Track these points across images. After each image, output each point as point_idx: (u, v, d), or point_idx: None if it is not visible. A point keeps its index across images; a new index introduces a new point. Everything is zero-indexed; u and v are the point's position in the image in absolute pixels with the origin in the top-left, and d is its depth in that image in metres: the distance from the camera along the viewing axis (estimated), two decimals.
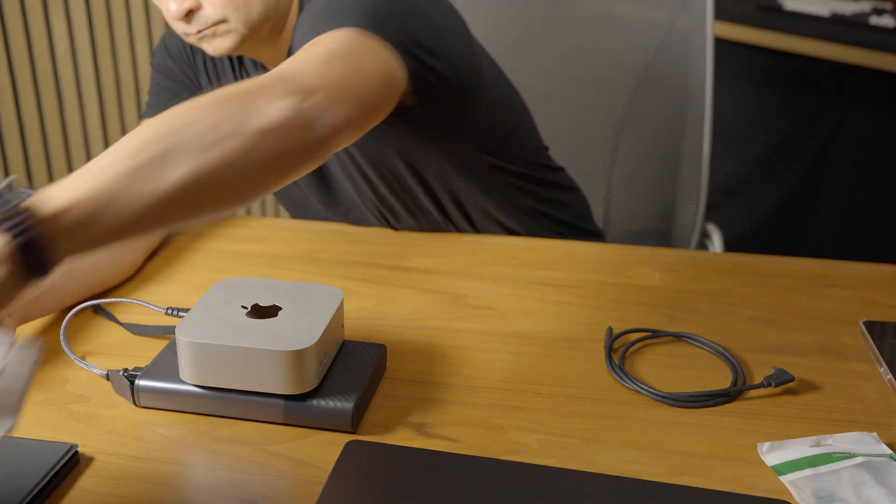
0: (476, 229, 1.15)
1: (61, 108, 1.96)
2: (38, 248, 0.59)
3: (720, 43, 2.17)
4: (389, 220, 1.13)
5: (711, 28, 1.46)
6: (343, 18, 0.88)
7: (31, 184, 1.95)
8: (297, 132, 0.73)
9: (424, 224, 1.14)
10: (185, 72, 1.15)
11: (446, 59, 1.00)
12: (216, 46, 0.99)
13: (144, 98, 2.08)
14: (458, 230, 1.14)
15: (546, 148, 1.24)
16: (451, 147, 1.08)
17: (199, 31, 0.97)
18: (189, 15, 0.96)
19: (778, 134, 2.24)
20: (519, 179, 1.15)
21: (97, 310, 0.91)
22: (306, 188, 1.15)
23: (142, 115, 1.19)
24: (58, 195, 0.60)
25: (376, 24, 0.89)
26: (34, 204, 0.59)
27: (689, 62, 1.48)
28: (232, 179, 0.69)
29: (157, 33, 2.05)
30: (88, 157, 2.03)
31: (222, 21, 0.96)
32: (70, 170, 2.00)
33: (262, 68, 1.09)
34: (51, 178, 1.98)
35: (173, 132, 0.67)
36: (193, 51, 1.14)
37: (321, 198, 1.15)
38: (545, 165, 1.21)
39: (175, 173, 0.65)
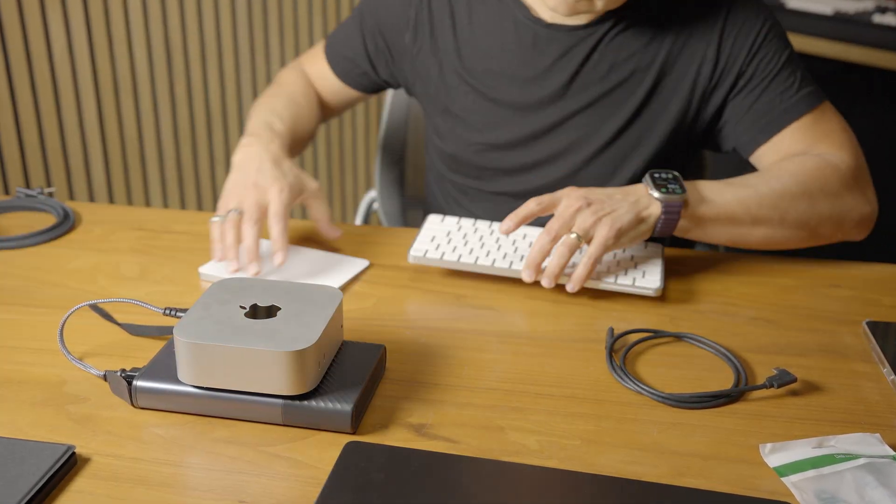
0: None
1: (58, 108, 1.95)
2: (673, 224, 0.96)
3: None
4: None
5: None
6: (805, 98, 1.09)
7: (28, 184, 1.94)
8: (856, 234, 1.07)
9: None
10: (387, 33, 1.20)
11: None
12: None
13: (142, 98, 2.08)
14: None
15: None
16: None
17: None
18: None
19: None
20: None
21: (94, 310, 0.90)
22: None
23: (328, 37, 1.29)
24: (703, 202, 0.97)
25: (819, 93, 1.11)
26: (689, 194, 0.96)
27: None
28: (786, 245, 1.04)
29: (156, 32, 2.05)
30: (85, 157, 2.02)
31: None
32: (67, 169, 2.00)
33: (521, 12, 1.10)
34: (48, 179, 1.97)
35: (777, 206, 0.99)
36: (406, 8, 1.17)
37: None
38: None
39: (758, 235, 1.01)
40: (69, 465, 0.68)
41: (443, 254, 0.98)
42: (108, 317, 0.89)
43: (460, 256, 0.98)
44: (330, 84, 1.29)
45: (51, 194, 1.20)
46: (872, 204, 1.06)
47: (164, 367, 0.75)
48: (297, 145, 1.19)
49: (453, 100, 1.16)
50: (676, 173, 0.98)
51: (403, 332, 0.89)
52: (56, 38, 1.90)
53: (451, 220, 1.05)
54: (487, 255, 0.98)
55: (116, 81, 2.02)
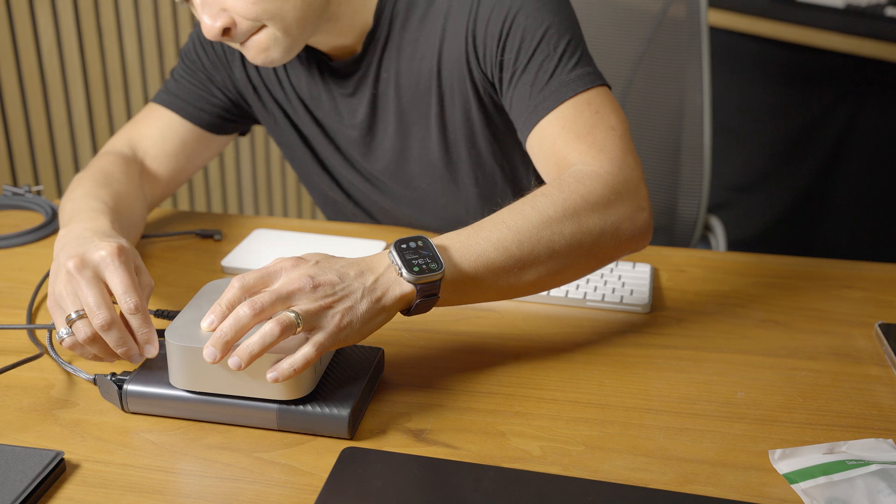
0: None
1: (47, 103, 1.94)
2: (432, 304, 0.77)
3: (732, 35, 2.14)
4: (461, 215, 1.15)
5: (706, 15, 1.44)
6: (567, 84, 0.93)
7: (15, 181, 1.92)
8: (636, 245, 0.88)
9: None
10: (213, 63, 1.10)
11: None
12: (265, 59, 0.94)
13: (133, 92, 2.07)
14: None
15: None
16: None
17: (243, 44, 0.93)
18: (227, 33, 0.91)
19: (791, 129, 2.22)
20: None
21: None
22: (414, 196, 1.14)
23: (153, 98, 1.11)
24: (459, 266, 0.77)
25: (591, 77, 0.94)
26: (446, 266, 0.76)
27: (685, 50, 1.46)
28: (562, 279, 0.85)
29: (146, 24, 2.03)
30: (75, 154, 2.01)
31: (262, 28, 0.91)
32: (56, 166, 1.98)
33: (317, 55, 1.05)
34: (35, 175, 1.96)
35: (541, 237, 0.81)
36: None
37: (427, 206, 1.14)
38: None
39: (531, 276, 0.81)
40: (58, 472, 0.66)
41: None
42: None
43: None
44: (177, 140, 1.09)
45: (39, 192, 1.19)
46: (647, 209, 0.88)
47: (155, 370, 0.74)
48: (131, 230, 0.97)
49: (285, 139, 1.14)
50: (425, 237, 0.77)
51: (402, 335, 0.87)
52: (44, 32, 1.88)
53: None
54: None
55: (106, 76, 2.01)
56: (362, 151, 1.10)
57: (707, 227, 1.52)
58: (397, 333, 0.87)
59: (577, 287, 0.95)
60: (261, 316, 0.69)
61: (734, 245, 1.50)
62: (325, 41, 1.00)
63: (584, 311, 0.93)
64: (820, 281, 1.01)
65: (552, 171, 0.92)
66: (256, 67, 1.09)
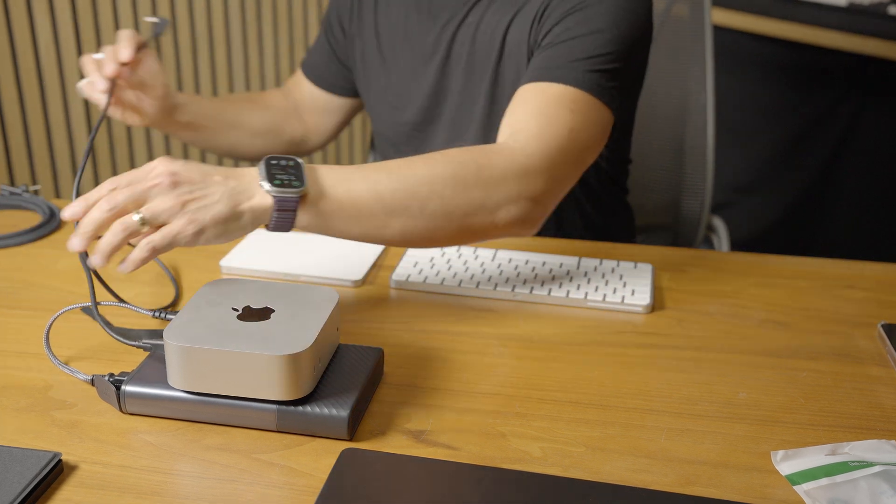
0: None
1: (44, 102, 1.93)
2: (289, 221, 0.80)
3: (734, 34, 2.13)
4: None
5: (709, 13, 1.43)
6: (579, 75, 0.95)
7: (13, 180, 1.92)
8: (511, 231, 0.89)
9: None
10: (339, 22, 1.24)
11: (638, 83, 1.09)
12: None
13: None
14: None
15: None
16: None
17: None
18: None
19: (794, 128, 2.21)
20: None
21: (87, 312, 0.89)
22: None
23: (301, 64, 1.32)
24: (325, 192, 0.80)
25: (601, 89, 0.95)
26: (309, 187, 0.79)
27: (688, 49, 1.45)
28: (430, 241, 0.87)
29: (144, 24, 2.03)
30: (72, 154, 2.01)
31: None
32: (53, 166, 1.98)
33: None
34: (33, 176, 1.95)
35: (417, 193, 0.83)
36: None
37: None
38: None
39: (397, 225, 0.84)
40: (55, 473, 0.66)
41: (426, 278, 0.97)
42: (102, 319, 0.87)
43: (444, 280, 0.96)
44: (312, 97, 1.30)
45: (36, 192, 1.19)
46: (534, 204, 0.89)
47: (153, 371, 0.74)
48: (211, 120, 1.21)
49: (372, 77, 1.20)
50: (300, 160, 0.82)
51: (402, 335, 0.87)
52: (41, 31, 1.88)
53: None
54: (471, 278, 0.97)
55: None
56: (433, 88, 1.14)
57: (710, 228, 1.52)
58: (397, 333, 0.87)
59: (578, 287, 0.95)
60: (119, 212, 0.75)
61: (737, 245, 1.50)
62: None
63: (584, 311, 0.93)
64: (822, 281, 1.00)
65: (504, 128, 0.94)
66: (360, 6, 1.21)
